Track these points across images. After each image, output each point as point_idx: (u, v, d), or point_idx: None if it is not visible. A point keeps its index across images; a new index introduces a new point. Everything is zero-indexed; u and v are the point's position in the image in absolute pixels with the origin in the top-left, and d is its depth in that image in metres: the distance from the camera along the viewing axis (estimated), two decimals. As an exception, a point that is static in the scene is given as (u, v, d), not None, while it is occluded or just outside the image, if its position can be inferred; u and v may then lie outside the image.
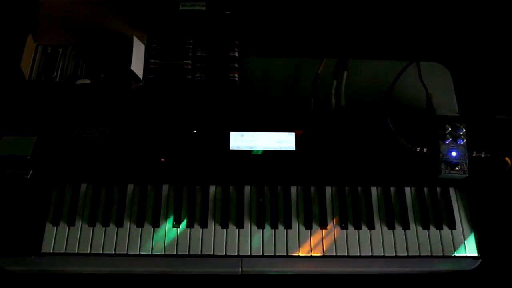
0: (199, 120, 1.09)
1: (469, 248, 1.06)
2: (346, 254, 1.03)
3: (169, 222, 1.04)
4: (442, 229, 1.07)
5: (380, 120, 1.10)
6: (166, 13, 1.20)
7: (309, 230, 1.05)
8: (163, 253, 1.02)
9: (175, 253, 1.02)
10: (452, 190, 1.11)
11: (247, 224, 1.05)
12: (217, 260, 1.03)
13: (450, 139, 1.08)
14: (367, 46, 1.34)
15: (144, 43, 1.17)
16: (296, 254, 1.03)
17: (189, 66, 1.16)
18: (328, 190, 1.10)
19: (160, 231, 1.04)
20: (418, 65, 1.22)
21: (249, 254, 1.03)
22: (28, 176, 1.04)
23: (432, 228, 1.07)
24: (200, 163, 1.07)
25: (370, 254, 1.04)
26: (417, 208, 1.09)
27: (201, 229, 1.04)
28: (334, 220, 1.06)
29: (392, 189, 1.10)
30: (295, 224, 1.06)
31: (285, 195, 1.08)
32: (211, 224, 1.05)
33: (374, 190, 1.10)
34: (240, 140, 1.08)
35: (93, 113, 1.09)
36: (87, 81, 1.12)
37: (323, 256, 1.03)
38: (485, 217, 1.08)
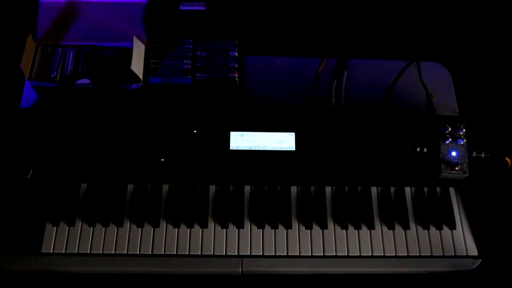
0: (199, 120, 1.09)
1: (469, 248, 1.06)
2: (346, 254, 1.03)
3: (169, 222, 1.04)
4: (442, 229, 1.07)
5: (380, 120, 1.11)
6: (166, 13, 1.20)
7: (309, 230, 1.05)
8: (163, 253, 1.02)
9: (175, 253, 1.02)
10: (452, 190, 1.11)
11: (247, 224, 1.05)
12: (217, 260, 1.03)
13: (450, 139, 1.08)
14: (367, 46, 1.34)
15: (144, 43, 1.17)
16: (296, 254, 1.03)
17: (189, 66, 1.16)
18: (328, 190, 1.10)
19: (160, 231, 1.04)
20: (418, 65, 1.22)
21: (249, 254, 1.03)
22: (28, 176, 1.04)
23: (432, 228, 1.07)
24: (200, 163, 1.07)
25: (370, 254, 1.04)
26: (417, 208, 1.09)
27: (201, 229, 1.04)
28: (334, 220, 1.06)
29: (392, 189, 1.10)
30: (295, 224, 1.06)
31: (285, 195, 1.08)
32: (211, 224, 1.05)
33: (374, 190, 1.10)
34: (240, 140, 1.08)
35: (93, 113, 1.09)
36: (87, 81, 1.12)
37: (323, 256, 1.03)
38: (485, 217, 1.09)
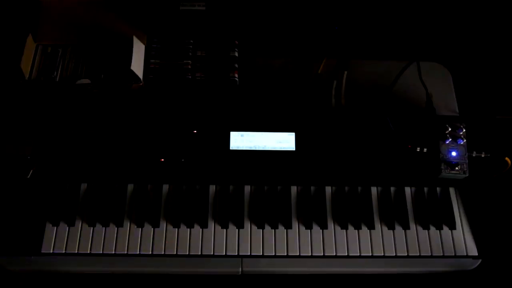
0: (199, 120, 1.09)
1: (469, 248, 1.06)
2: (346, 254, 1.03)
3: (169, 222, 1.04)
4: (442, 229, 1.07)
5: (380, 120, 1.11)
6: (166, 13, 1.20)
7: (309, 230, 1.05)
8: (163, 253, 1.02)
9: (175, 253, 1.02)
10: (452, 190, 1.11)
11: (247, 224, 1.05)
12: (217, 260, 1.03)
13: (450, 139, 1.08)
14: (367, 46, 1.34)
15: (144, 43, 1.17)
16: (296, 254, 1.03)
17: (189, 66, 1.16)
18: (328, 190, 1.10)
19: (160, 231, 1.04)
20: (418, 65, 1.22)
21: (249, 254, 1.03)
22: (28, 176, 1.04)
23: (432, 228, 1.07)
24: (200, 163, 1.07)
25: (370, 254, 1.04)
26: (417, 208, 1.09)
27: (201, 229, 1.04)
28: (334, 220, 1.06)
29: (392, 189, 1.10)
30: (295, 224, 1.06)
31: (285, 195, 1.08)
32: (211, 224, 1.05)
33: (374, 190, 1.10)
34: (240, 140, 1.08)
35: (93, 113, 1.09)
36: (87, 81, 1.12)
37: (323, 256, 1.03)
38: (485, 217, 1.08)
